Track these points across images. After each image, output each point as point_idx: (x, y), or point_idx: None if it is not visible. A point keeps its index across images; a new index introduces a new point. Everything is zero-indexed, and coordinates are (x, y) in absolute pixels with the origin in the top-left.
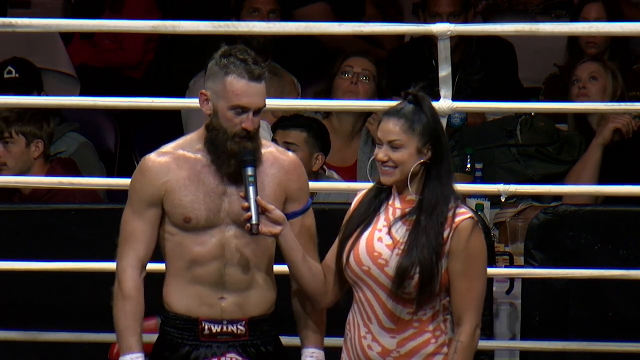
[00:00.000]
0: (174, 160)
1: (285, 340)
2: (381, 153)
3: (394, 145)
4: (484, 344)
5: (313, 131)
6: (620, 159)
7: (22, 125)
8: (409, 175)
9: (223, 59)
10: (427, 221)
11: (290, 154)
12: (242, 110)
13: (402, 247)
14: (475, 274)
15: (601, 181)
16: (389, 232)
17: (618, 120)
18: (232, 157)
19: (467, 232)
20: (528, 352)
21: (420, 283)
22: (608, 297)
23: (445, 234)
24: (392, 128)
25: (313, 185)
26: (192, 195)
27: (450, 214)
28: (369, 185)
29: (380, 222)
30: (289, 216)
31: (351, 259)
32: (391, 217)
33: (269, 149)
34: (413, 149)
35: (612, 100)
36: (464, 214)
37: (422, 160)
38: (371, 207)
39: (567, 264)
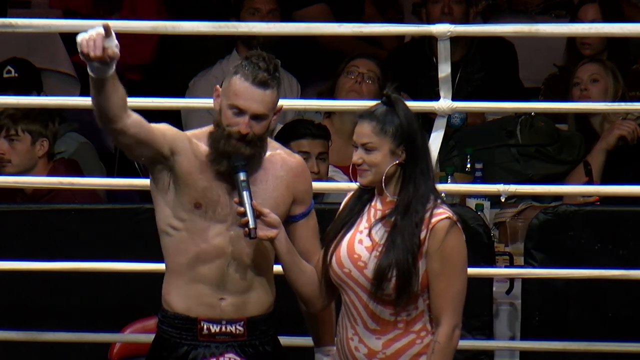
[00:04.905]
0: (192, 144)
1: (284, 340)
2: (356, 156)
3: (367, 148)
4: (484, 344)
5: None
6: (620, 160)
7: (28, 123)
8: (384, 176)
9: (242, 61)
10: (402, 222)
11: (297, 156)
12: (238, 111)
13: (380, 249)
14: (452, 274)
15: (602, 181)
16: (369, 234)
17: (623, 127)
18: (224, 156)
19: (443, 232)
20: (528, 352)
21: (397, 285)
22: (608, 297)
23: (423, 234)
24: (364, 131)
25: (316, 185)
26: (206, 182)
27: (427, 214)
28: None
29: (362, 223)
30: (297, 218)
31: (333, 261)
32: (372, 219)
33: (277, 151)
34: (386, 150)
35: (614, 101)
36: (441, 214)
37: (396, 162)
38: (355, 209)
39: (567, 264)
